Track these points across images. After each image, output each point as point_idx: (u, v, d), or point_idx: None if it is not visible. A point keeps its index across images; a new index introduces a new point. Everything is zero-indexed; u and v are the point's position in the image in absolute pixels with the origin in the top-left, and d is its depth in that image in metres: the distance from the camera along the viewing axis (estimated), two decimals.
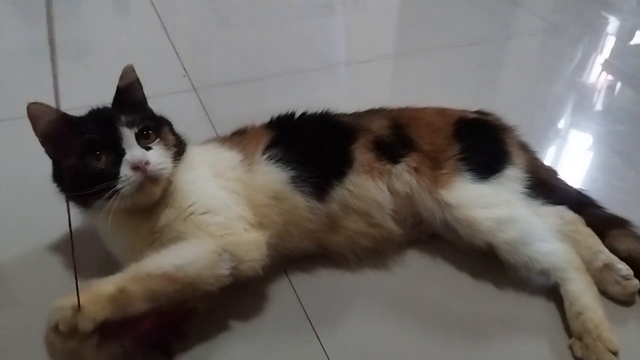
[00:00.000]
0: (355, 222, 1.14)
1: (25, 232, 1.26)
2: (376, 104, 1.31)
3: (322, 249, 1.16)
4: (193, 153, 1.13)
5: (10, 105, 1.52)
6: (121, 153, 0.99)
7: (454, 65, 2.02)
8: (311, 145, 1.17)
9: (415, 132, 1.21)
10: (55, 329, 0.82)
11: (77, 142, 1.00)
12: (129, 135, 1.00)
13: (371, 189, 1.13)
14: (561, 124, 1.76)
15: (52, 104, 0.95)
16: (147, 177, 0.99)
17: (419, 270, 1.18)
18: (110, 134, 1.00)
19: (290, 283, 1.15)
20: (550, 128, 1.71)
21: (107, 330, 0.85)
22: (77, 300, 0.82)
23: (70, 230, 0.84)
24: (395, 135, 1.20)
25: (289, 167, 1.11)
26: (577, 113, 1.83)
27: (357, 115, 1.26)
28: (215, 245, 0.99)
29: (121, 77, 1.08)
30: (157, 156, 1.01)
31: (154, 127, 1.05)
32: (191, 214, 1.04)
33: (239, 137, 1.20)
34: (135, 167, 0.98)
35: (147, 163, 0.98)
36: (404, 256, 1.20)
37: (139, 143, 1.01)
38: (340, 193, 1.12)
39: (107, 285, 0.88)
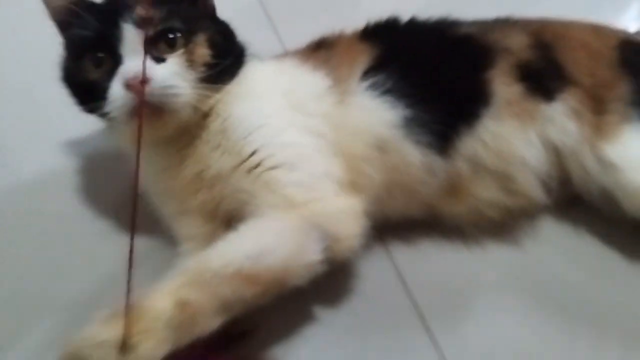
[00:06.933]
0: (487, 187, 0.83)
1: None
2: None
3: (431, 217, 0.86)
4: (257, 72, 0.82)
5: None
6: (119, 61, 0.71)
7: None
8: (430, 72, 0.83)
9: (568, 56, 0.86)
10: None
11: (73, 40, 0.77)
12: (132, 37, 0.71)
13: (516, 140, 0.81)
14: None
15: None
16: (143, 102, 0.69)
17: (557, 246, 0.88)
18: (109, 32, 0.72)
19: (390, 257, 0.86)
20: None
21: None
22: (120, 331, 0.56)
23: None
24: (543, 59, 0.85)
25: (401, 104, 0.79)
26: None
27: (484, 26, 0.90)
28: (299, 219, 0.70)
29: None
30: (165, 73, 0.72)
31: (182, 31, 0.75)
32: (256, 166, 0.75)
33: (325, 53, 0.86)
34: (128, 85, 0.69)
35: (145, 81, 0.68)
36: (537, 226, 0.89)
37: (149, 51, 0.71)
38: (471, 145, 0.81)
39: (161, 299, 0.61)
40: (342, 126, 0.79)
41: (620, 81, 0.84)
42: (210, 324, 0.63)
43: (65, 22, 0.79)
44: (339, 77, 0.82)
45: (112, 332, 0.57)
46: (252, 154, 0.75)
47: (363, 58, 0.84)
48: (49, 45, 0.80)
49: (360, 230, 0.74)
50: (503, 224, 0.87)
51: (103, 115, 0.74)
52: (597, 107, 0.83)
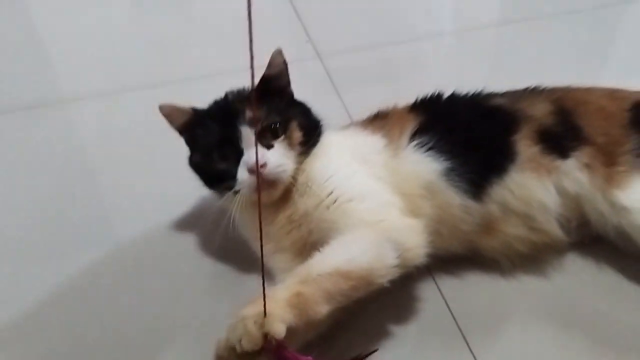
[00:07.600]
0: (515, 226, 1.00)
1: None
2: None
3: (472, 252, 1.04)
4: (330, 139, 1.04)
5: None
6: (240, 153, 0.95)
7: (561, 35, 1.76)
8: (466, 134, 1.03)
9: (585, 119, 1.04)
10: (233, 349, 0.75)
11: (199, 141, 1.01)
12: (248, 134, 0.94)
13: (536, 189, 0.99)
14: None
15: None
16: (263, 180, 0.92)
17: (580, 278, 1.04)
18: (230, 133, 0.95)
19: (437, 287, 1.04)
20: None
21: None
22: (260, 309, 0.76)
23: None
24: (562, 124, 1.03)
25: (442, 158, 0.99)
26: None
27: (513, 96, 1.10)
28: (375, 234, 0.90)
29: (269, 64, 1.01)
30: (276, 157, 0.94)
31: (281, 122, 0.98)
32: (334, 202, 0.96)
33: (381, 121, 1.08)
34: (252, 170, 0.92)
35: (263, 166, 0.91)
36: (563, 261, 1.06)
37: (261, 141, 0.94)
38: (500, 193, 0.99)
39: (281, 291, 0.81)
40: (396, 172, 1.00)
41: (631, 137, 1.00)
42: (320, 309, 0.80)
43: (188, 131, 1.04)
44: (392, 137, 1.03)
45: (250, 311, 0.76)
46: (330, 193, 0.96)
47: (411, 124, 1.04)
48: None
49: (423, 242, 0.92)
50: (533, 258, 1.03)
51: (226, 190, 0.97)
52: (608, 161, 1.00)
